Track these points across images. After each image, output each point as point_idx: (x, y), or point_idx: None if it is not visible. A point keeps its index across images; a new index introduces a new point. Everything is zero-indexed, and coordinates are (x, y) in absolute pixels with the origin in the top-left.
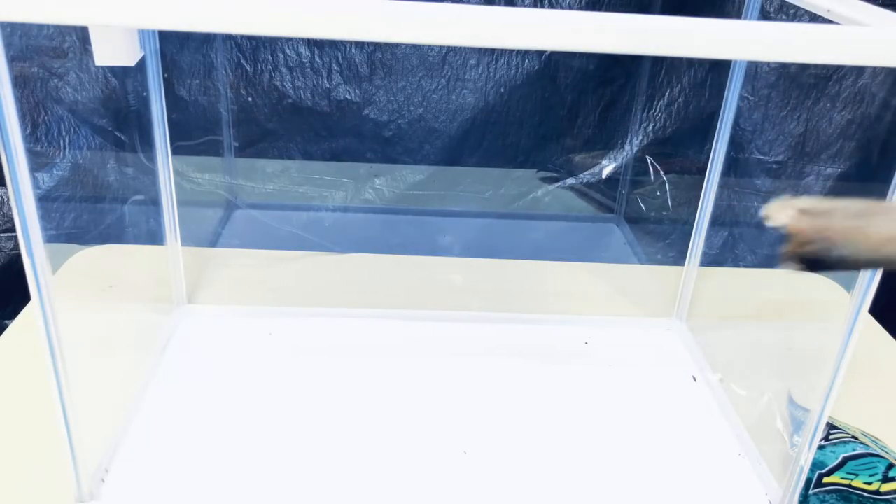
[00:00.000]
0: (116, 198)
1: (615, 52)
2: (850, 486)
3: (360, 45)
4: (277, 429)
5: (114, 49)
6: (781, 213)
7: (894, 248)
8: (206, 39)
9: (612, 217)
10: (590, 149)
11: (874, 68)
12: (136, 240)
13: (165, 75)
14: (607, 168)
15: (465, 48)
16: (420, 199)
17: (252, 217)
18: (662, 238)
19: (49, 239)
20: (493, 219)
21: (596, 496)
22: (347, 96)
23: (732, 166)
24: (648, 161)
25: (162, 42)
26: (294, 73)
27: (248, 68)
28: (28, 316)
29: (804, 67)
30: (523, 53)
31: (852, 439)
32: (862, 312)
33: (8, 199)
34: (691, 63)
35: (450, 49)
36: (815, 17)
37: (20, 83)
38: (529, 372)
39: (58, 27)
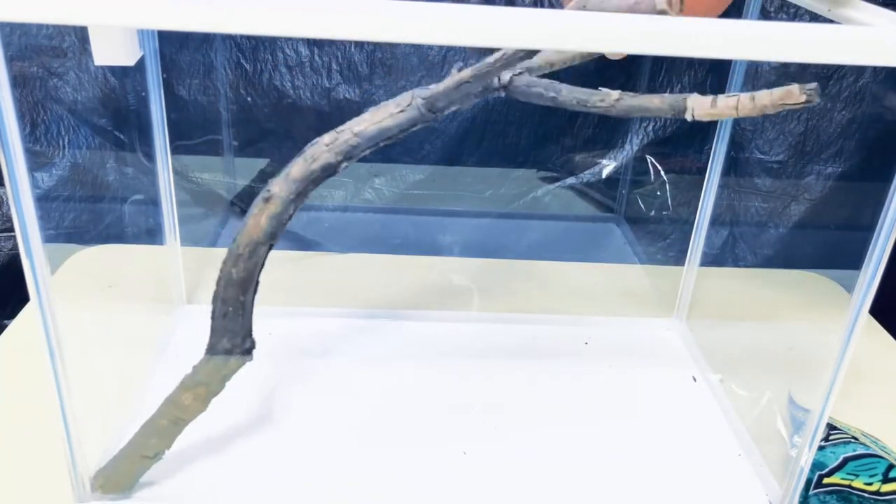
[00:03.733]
0: (116, 197)
1: (615, 53)
2: (850, 486)
3: (359, 44)
4: (277, 428)
5: (113, 49)
6: None
7: None
8: (206, 39)
9: (612, 217)
10: (590, 149)
11: (874, 68)
12: (136, 240)
13: (165, 75)
14: (607, 168)
15: (465, 48)
16: (420, 199)
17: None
18: (662, 238)
19: (48, 239)
20: (493, 219)
21: (596, 496)
22: (347, 96)
23: (732, 166)
24: (648, 161)
25: (161, 42)
26: (294, 73)
27: (248, 68)
28: (27, 316)
29: (804, 67)
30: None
31: (853, 440)
32: (862, 312)
33: (7, 198)
34: (691, 63)
35: (450, 49)
36: (815, 17)
37: (19, 83)
38: (529, 372)
39: (57, 27)
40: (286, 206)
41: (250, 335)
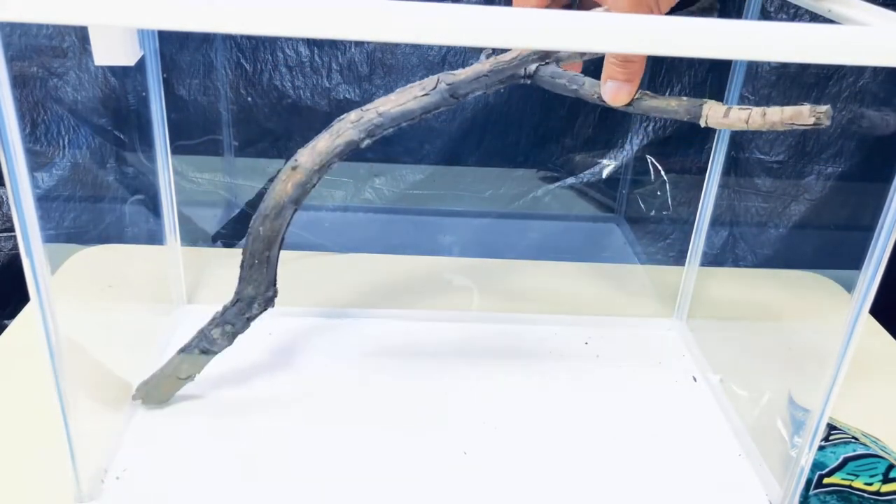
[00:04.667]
0: (116, 197)
1: (615, 52)
2: (850, 486)
3: (359, 44)
4: (277, 428)
5: (113, 49)
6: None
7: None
8: (206, 39)
9: (612, 217)
10: (590, 149)
11: (874, 68)
12: (136, 239)
13: (165, 75)
14: (607, 168)
15: (464, 48)
16: (420, 199)
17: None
18: (662, 238)
19: (48, 238)
20: (493, 219)
21: (596, 496)
22: (347, 96)
23: (732, 166)
24: (649, 161)
25: (162, 42)
26: (294, 73)
27: (248, 68)
28: (28, 316)
29: (804, 67)
30: None
31: (853, 440)
32: (862, 312)
33: (7, 198)
34: (691, 63)
35: (450, 49)
36: (815, 17)
37: (19, 83)
38: (529, 372)
39: (57, 27)
40: (310, 175)
41: (273, 285)
